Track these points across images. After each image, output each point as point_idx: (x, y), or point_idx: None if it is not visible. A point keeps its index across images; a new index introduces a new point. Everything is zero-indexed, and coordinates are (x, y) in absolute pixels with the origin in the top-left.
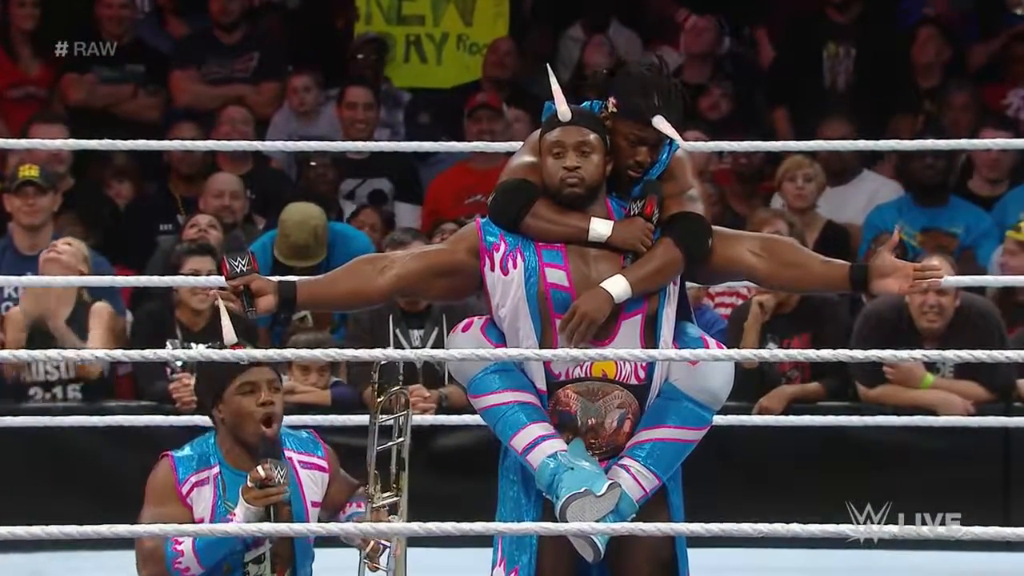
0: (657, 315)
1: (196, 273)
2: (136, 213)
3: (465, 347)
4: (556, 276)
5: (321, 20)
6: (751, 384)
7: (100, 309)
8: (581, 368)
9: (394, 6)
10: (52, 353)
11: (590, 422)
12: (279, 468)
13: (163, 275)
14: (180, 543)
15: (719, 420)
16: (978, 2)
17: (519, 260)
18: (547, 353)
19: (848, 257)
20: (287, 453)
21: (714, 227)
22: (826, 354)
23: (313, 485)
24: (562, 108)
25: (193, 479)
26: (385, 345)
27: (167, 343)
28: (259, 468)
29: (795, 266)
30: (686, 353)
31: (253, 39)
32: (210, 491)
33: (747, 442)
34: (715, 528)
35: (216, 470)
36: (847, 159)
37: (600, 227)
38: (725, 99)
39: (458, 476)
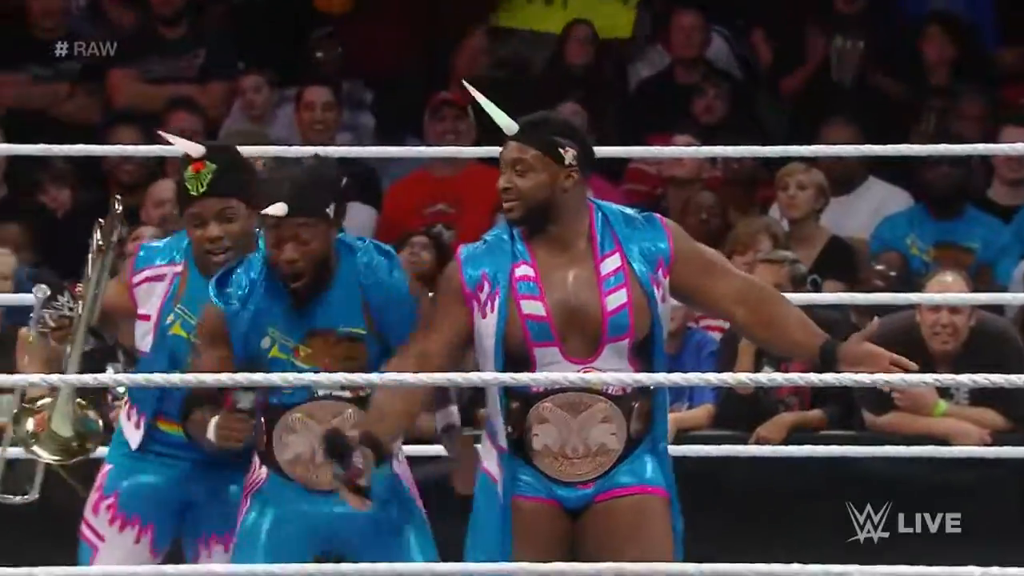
0: (650, 339)
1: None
2: (74, 223)
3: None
4: (532, 307)
5: (275, 12)
6: (747, 411)
7: (26, 335)
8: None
9: None
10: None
11: (567, 451)
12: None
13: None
14: None
15: (714, 451)
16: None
17: (496, 301)
18: (525, 377)
19: (853, 276)
20: None
21: (709, 258)
22: (829, 378)
23: None
24: (503, 122)
25: (148, 273)
26: None
27: (108, 367)
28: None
29: (772, 327)
30: (676, 377)
31: (199, 34)
32: (163, 288)
33: (744, 474)
34: (707, 569)
35: (179, 269)
36: (851, 165)
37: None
38: (720, 101)
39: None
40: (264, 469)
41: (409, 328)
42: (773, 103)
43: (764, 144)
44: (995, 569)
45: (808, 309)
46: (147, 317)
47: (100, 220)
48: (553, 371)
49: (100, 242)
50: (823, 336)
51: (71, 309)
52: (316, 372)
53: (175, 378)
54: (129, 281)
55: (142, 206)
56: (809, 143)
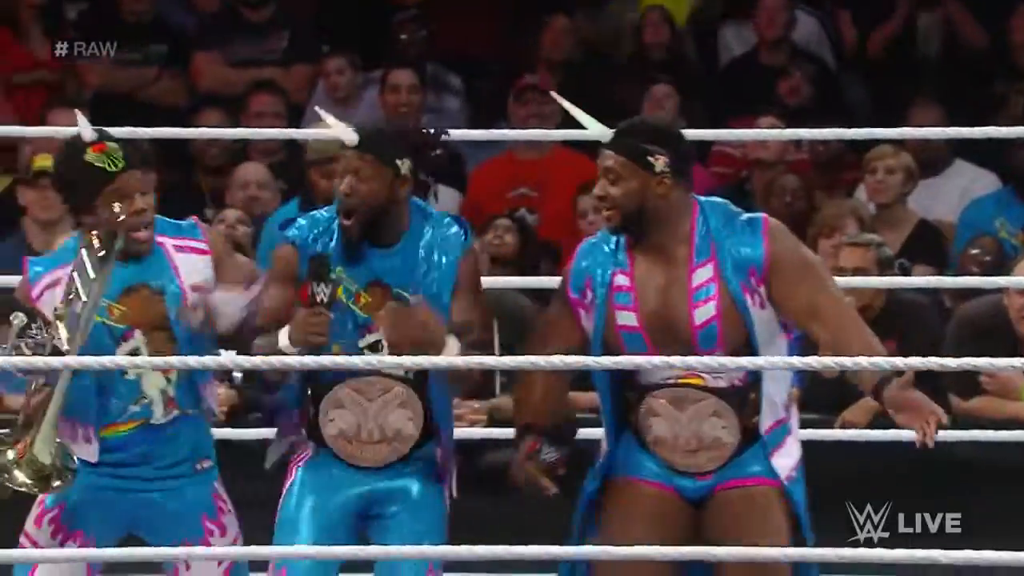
0: (748, 347)
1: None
2: (160, 207)
3: None
4: (626, 318)
5: None
6: (832, 395)
7: None
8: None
9: None
10: (83, 360)
11: (680, 443)
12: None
13: None
14: None
15: (800, 434)
16: None
17: (593, 311)
18: (607, 361)
19: (942, 259)
20: (159, 239)
21: (804, 270)
22: (915, 362)
23: (192, 267)
24: (595, 129)
25: (46, 280)
26: None
27: None
28: None
29: (843, 351)
30: (761, 361)
31: (283, 17)
32: (62, 291)
33: (829, 458)
34: (793, 553)
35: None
36: (937, 148)
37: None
38: (805, 83)
39: (511, 494)
40: (310, 443)
41: (444, 296)
42: (859, 84)
43: (850, 126)
44: None
45: (896, 293)
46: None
47: (95, 232)
48: (653, 378)
49: (101, 253)
50: (878, 377)
51: (45, 335)
52: (370, 323)
53: (228, 360)
54: (29, 297)
55: (227, 188)
56: (895, 126)
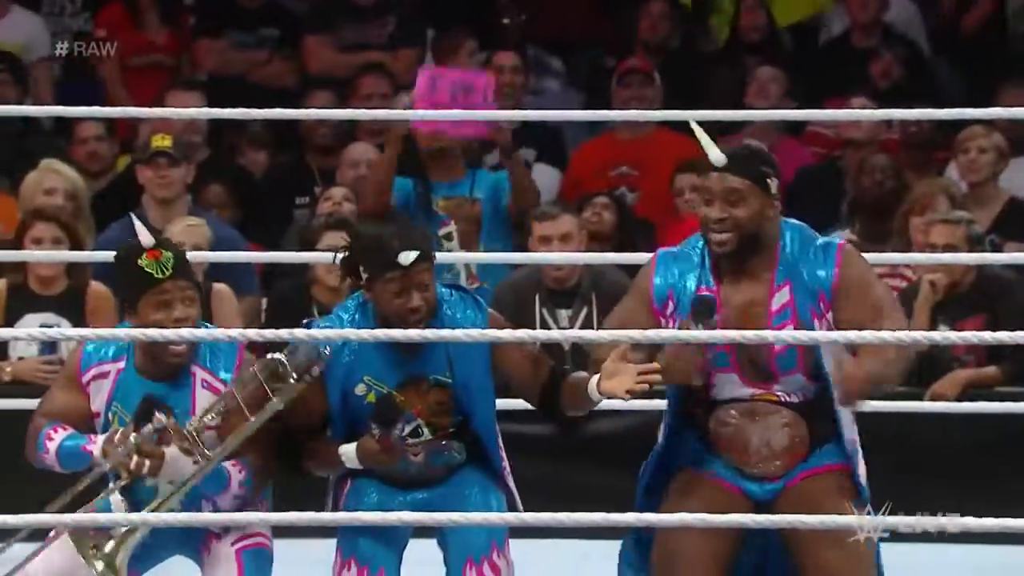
0: (822, 365)
1: (333, 249)
2: (271, 186)
3: None
4: None
5: None
6: (922, 368)
7: (220, 291)
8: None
9: None
10: (185, 332)
11: (751, 451)
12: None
13: (299, 251)
14: (51, 438)
15: (891, 407)
16: None
17: (675, 322)
18: (703, 334)
19: None
20: (194, 367)
21: (869, 299)
22: (1004, 336)
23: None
24: (713, 153)
25: (95, 370)
26: (531, 327)
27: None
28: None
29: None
30: (852, 335)
31: (390, 2)
32: (108, 386)
33: (921, 429)
34: (891, 520)
35: (121, 365)
36: None
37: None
38: (897, 64)
39: (610, 465)
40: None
41: (483, 373)
42: (951, 66)
43: (941, 107)
44: None
45: (986, 269)
46: (98, 414)
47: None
48: (725, 395)
49: (294, 375)
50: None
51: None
52: (411, 420)
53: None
54: (79, 379)
55: (337, 168)
56: (986, 106)
